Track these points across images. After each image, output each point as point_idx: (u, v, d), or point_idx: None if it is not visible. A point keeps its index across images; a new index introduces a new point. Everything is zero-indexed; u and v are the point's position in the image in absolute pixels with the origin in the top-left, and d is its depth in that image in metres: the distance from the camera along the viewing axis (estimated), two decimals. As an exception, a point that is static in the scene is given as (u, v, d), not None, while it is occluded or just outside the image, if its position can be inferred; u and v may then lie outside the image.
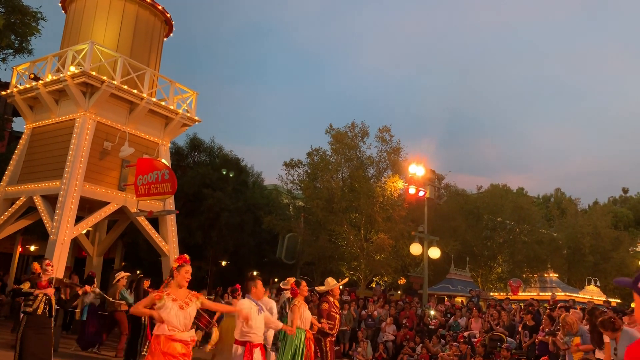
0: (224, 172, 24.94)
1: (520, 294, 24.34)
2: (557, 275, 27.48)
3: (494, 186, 29.03)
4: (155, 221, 15.52)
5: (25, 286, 6.85)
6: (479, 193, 28.76)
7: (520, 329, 12.66)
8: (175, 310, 4.87)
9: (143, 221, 14.89)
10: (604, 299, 20.73)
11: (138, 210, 14.34)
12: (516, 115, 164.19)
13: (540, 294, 24.16)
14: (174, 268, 5.20)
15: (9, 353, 10.03)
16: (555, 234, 29.14)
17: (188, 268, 5.18)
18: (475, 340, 13.24)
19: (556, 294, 20.90)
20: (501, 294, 24.49)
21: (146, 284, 10.88)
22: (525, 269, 26.67)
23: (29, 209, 14.91)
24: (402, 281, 26.17)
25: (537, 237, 26.30)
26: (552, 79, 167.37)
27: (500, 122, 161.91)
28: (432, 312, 16.21)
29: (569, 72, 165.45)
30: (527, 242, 25.98)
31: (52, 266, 7.35)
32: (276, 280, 25.24)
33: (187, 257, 5.30)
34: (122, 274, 11.82)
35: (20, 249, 21.77)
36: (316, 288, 9.57)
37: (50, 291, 6.96)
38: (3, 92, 15.80)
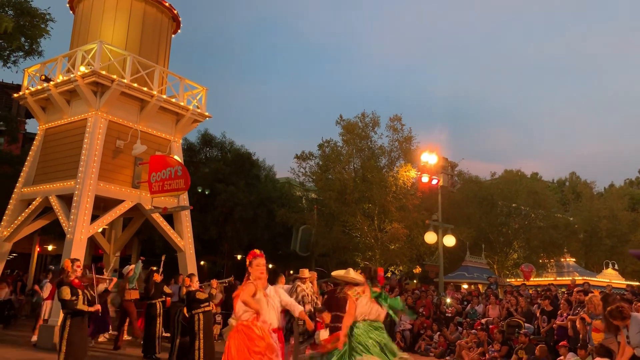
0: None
1: (537, 279, 24.21)
2: (574, 259, 27.28)
3: (507, 172, 28.79)
4: (170, 217, 15.62)
5: (66, 292, 7.22)
6: (493, 179, 28.53)
7: (538, 314, 12.60)
8: (265, 303, 4.93)
9: (158, 218, 15.00)
10: (623, 282, 20.56)
11: (152, 207, 14.44)
12: (529, 99, 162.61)
13: (558, 279, 24.00)
14: (247, 265, 5.23)
15: (30, 351, 10.20)
16: (571, 218, 28.90)
17: (259, 261, 5.13)
18: (493, 326, 13.21)
19: (575, 278, 20.76)
20: (518, 280, 24.36)
21: (157, 277, 11.06)
22: (542, 254, 26.48)
23: (46, 209, 15.07)
24: (417, 270, 26.14)
25: (552, 221, 26.09)
26: (564, 60, 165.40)
27: (512, 107, 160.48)
28: (449, 300, 16.19)
29: (582, 53, 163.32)
30: (542, 227, 25.78)
31: (81, 268, 7.77)
32: (291, 272, 25.34)
33: (257, 251, 5.26)
34: (131, 267, 12.16)
35: (38, 249, 22.08)
36: (335, 275, 9.57)
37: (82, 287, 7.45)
38: (15, 95, 15.94)
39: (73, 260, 8.06)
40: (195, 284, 9.54)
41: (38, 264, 22.14)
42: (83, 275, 8.06)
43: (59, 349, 7.21)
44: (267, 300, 5.09)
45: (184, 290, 9.66)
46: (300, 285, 9.47)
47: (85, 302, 7.38)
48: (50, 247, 23.68)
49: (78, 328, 7.29)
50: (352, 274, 8.95)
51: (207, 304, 9.29)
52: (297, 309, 5.88)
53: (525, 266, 23.98)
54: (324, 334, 9.50)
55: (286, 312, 9.41)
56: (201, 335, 8.88)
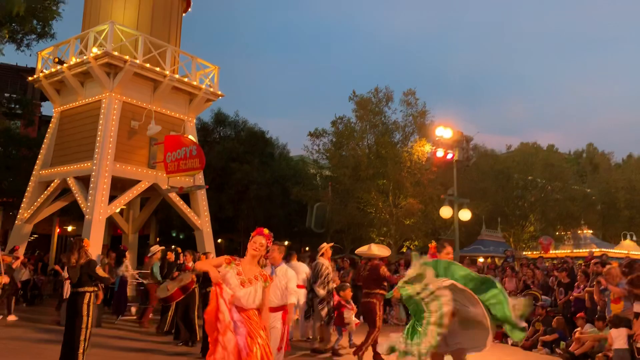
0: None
1: (554, 251, 24.10)
2: (591, 231, 27.07)
3: (523, 144, 28.50)
4: (186, 197, 15.76)
5: (101, 271, 7.22)
6: (509, 152, 28.30)
7: (554, 286, 12.58)
8: (235, 283, 4.61)
9: (174, 197, 15.15)
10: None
11: (169, 187, 14.57)
12: (545, 70, 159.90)
13: (575, 251, 23.88)
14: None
15: (52, 332, 10.43)
16: (589, 190, 28.62)
17: (257, 239, 4.89)
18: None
19: (593, 250, 20.63)
20: (534, 252, 24.29)
21: (170, 255, 11.17)
22: (558, 226, 26.35)
23: (64, 190, 15.28)
24: (432, 245, 26.19)
25: (569, 194, 25.88)
26: (581, 30, 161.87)
27: (529, 78, 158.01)
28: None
29: (599, 22, 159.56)
30: (559, 199, 25.59)
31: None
32: (307, 249, 25.51)
33: (266, 231, 4.98)
34: (157, 247, 12.15)
35: (58, 230, 22.47)
36: (358, 251, 9.65)
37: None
38: (30, 78, 16.06)
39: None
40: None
41: (58, 244, 22.54)
42: (106, 255, 8.14)
43: None
44: (252, 278, 4.68)
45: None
46: (325, 264, 9.48)
47: None
48: (70, 228, 24.06)
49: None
50: (375, 249, 9.03)
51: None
52: (290, 300, 5.66)
53: (544, 239, 23.85)
54: (348, 314, 9.62)
55: (309, 291, 9.50)
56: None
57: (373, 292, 8.53)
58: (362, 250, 9.25)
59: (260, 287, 4.72)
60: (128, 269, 12.81)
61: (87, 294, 6.67)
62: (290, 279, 5.71)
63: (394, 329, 9.39)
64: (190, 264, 9.71)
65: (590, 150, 40.22)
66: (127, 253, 13.27)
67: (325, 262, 9.50)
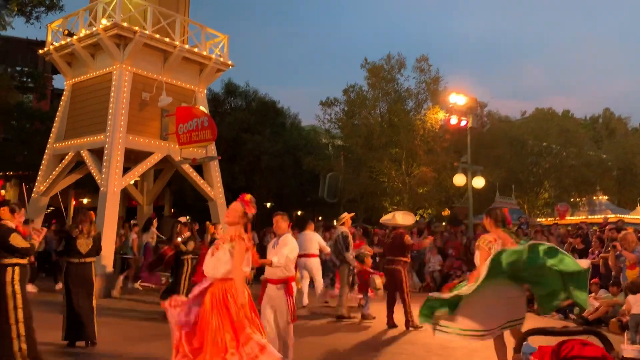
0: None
1: (568, 218, 23.96)
2: (606, 197, 26.83)
3: (538, 110, 28.05)
4: (199, 168, 15.83)
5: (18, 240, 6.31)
6: (523, 118, 27.88)
7: (569, 252, 12.55)
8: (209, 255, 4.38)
9: (188, 168, 15.23)
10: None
11: (182, 158, 14.63)
12: (562, 33, 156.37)
13: (589, 217, 23.71)
14: None
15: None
16: (604, 156, 28.24)
17: (232, 205, 4.71)
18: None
19: (607, 216, 20.47)
20: (548, 219, 24.17)
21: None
22: (573, 192, 26.11)
23: (78, 163, 15.40)
24: (446, 212, 26.13)
25: (585, 159, 25.55)
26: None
27: (544, 43, 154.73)
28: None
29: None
30: (574, 165, 25.29)
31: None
32: (320, 218, 25.64)
33: (244, 195, 4.82)
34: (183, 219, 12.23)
35: (74, 202, 22.75)
36: (382, 220, 9.74)
37: None
38: (40, 51, 16.03)
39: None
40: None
41: (74, 217, 22.83)
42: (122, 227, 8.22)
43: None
44: (220, 244, 4.39)
45: (209, 237, 9.82)
46: (346, 231, 9.55)
47: None
48: (85, 201, 24.35)
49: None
50: (399, 218, 9.11)
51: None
52: (277, 263, 5.50)
53: (561, 205, 23.67)
54: (378, 280, 9.80)
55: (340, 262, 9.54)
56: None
57: (397, 259, 8.79)
58: (386, 218, 9.39)
59: (226, 251, 4.25)
60: (154, 237, 12.99)
61: (9, 269, 5.65)
62: (290, 247, 5.50)
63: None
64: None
65: (606, 115, 39.53)
66: (154, 221, 13.48)
67: (346, 230, 9.61)
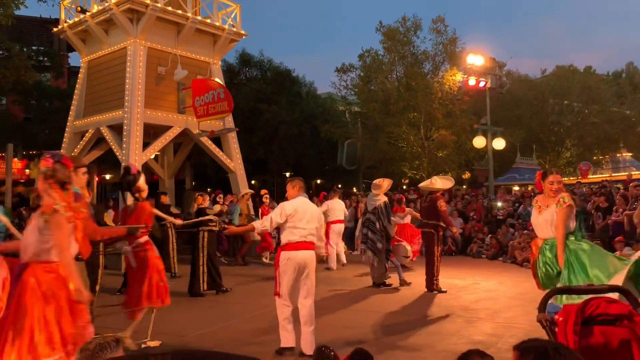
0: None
1: (591, 176, 23.66)
2: (631, 154, 26.38)
3: (559, 67, 27.42)
4: (218, 140, 15.90)
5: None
6: (544, 77, 27.30)
7: (592, 211, 12.43)
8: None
9: (206, 141, 15.30)
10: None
11: (200, 131, 14.70)
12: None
13: (613, 174, 23.39)
14: None
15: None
16: (628, 112, 27.64)
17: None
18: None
19: (632, 173, 20.16)
20: (571, 178, 23.90)
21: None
22: (596, 150, 25.71)
23: (99, 139, 15.57)
24: (466, 175, 25.98)
25: (607, 116, 25.05)
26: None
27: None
28: (499, 204, 16.14)
29: None
30: (597, 123, 24.83)
31: None
32: (339, 186, 25.69)
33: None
34: (247, 190, 12.37)
35: (96, 179, 23.11)
36: (421, 186, 9.76)
37: None
38: (55, 29, 16.07)
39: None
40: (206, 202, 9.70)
41: (98, 193, 23.24)
42: None
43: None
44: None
45: (195, 207, 9.84)
46: (386, 201, 9.52)
47: None
48: (107, 177, 24.71)
49: None
50: (438, 183, 9.14)
51: (214, 222, 9.27)
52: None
53: (583, 164, 23.38)
54: (407, 247, 9.91)
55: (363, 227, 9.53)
56: (205, 253, 8.99)
57: (430, 223, 8.84)
58: (425, 184, 9.44)
59: (34, 226, 3.33)
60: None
61: None
62: (281, 206, 5.34)
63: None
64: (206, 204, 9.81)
65: (630, 69, 38.47)
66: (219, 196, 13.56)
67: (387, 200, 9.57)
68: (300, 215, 5.22)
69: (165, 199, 11.34)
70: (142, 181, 6.01)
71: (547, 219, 4.73)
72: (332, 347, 2.47)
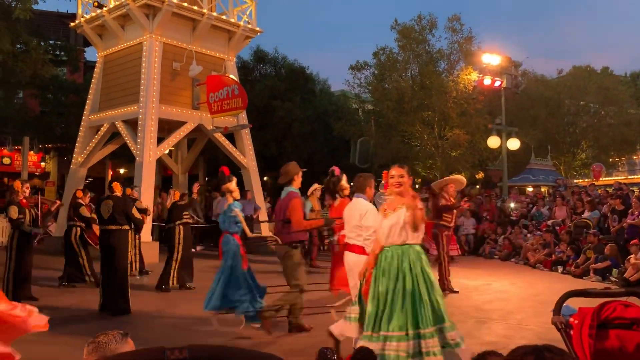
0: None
1: (606, 178, 23.40)
2: (647, 157, 26.04)
3: (576, 68, 27.10)
4: (231, 136, 15.96)
5: (14, 211, 7.85)
6: (560, 77, 26.99)
7: (608, 213, 12.30)
8: None
9: (220, 137, 15.37)
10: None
11: (214, 127, 14.77)
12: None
13: (629, 177, 23.11)
14: None
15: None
16: (646, 114, 27.25)
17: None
18: (559, 228, 13.05)
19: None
20: (586, 180, 23.66)
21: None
22: (612, 152, 25.40)
23: (114, 134, 15.70)
24: (480, 175, 25.81)
25: (624, 118, 24.71)
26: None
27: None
28: (512, 205, 16.03)
29: None
30: (613, 124, 24.52)
31: (29, 189, 8.37)
32: (351, 184, 25.63)
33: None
34: (317, 186, 11.93)
35: (111, 173, 23.31)
36: (434, 186, 9.79)
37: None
38: (72, 24, 16.22)
39: (23, 182, 8.39)
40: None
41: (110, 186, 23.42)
42: (30, 196, 8.44)
43: (7, 266, 7.76)
44: None
45: (169, 203, 9.83)
46: None
47: (30, 222, 7.97)
48: (122, 171, 24.91)
49: (24, 245, 7.93)
50: (449, 178, 9.21)
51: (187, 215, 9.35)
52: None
53: (596, 165, 23.13)
54: None
55: None
56: (180, 248, 8.97)
57: (439, 223, 8.83)
58: (436, 183, 9.51)
59: None
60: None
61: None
62: (374, 210, 5.04)
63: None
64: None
65: (648, 71, 37.91)
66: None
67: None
68: None
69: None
70: (344, 181, 6.55)
71: (393, 223, 4.16)
72: (335, 350, 2.45)
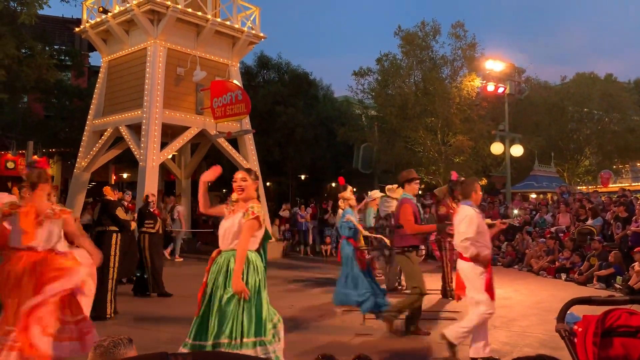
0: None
1: (610, 185, 23.32)
2: (652, 163, 25.97)
3: (579, 75, 27.09)
4: (234, 141, 15.99)
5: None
6: (563, 84, 26.97)
7: (612, 220, 12.25)
8: None
9: (223, 142, 15.39)
10: None
11: (217, 132, 14.79)
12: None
13: (633, 184, 23.04)
14: None
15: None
16: (650, 121, 27.21)
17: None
18: (563, 235, 13.01)
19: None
20: (589, 187, 23.60)
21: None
22: (616, 159, 25.34)
23: (117, 139, 15.75)
24: (483, 182, 25.77)
25: (628, 125, 24.68)
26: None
27: (585, 1, 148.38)
28: (516, 211, 15.98)
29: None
30: (617, 131, 24.49)
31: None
32: (354, 190, 25.62)
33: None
34: (377, 193, 11.71)
35: (114, 177, 23.35)
36: (437, 192, 9.79)
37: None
38: (77, 29, 16.30)
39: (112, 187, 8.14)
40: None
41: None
42: (162, 200, 8.58)
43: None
44: None
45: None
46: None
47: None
48: (125, 175, 24.94)
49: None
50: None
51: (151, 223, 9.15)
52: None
53: (605, 172, 23.04)
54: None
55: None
56: (147, 254, 8.90)
57: (442, 229, 8.72)
58: (440, 189, 9.49)
59: None
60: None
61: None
62: (471, 217, 4.93)
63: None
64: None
65: (652, 78, 37.83)
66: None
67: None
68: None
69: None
70: (348, 191, 7.19)
71: (228, 226, 3.94)
72: (335, 354, 2.44)
